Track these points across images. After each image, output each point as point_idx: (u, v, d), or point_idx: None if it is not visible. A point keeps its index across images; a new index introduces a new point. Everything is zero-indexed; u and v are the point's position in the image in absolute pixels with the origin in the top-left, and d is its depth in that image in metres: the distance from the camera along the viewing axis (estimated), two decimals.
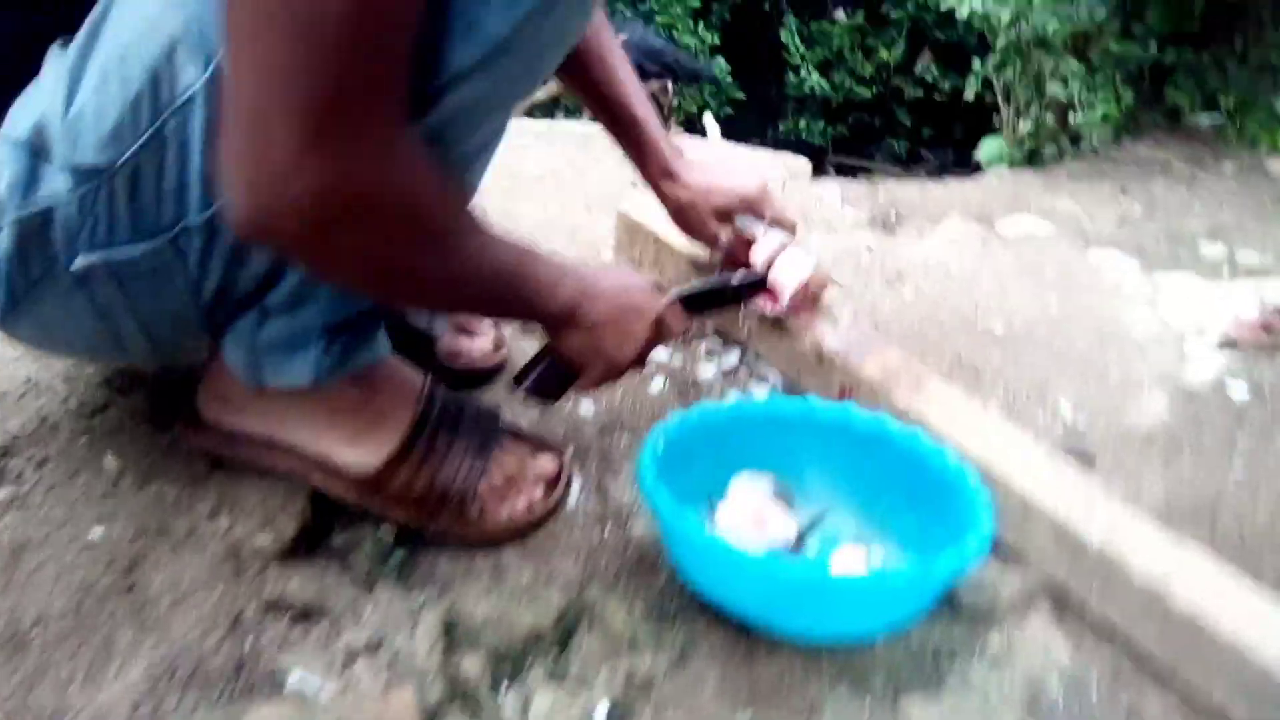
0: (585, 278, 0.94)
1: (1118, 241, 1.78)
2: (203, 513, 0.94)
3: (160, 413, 1.05)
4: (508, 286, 0.87)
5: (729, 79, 4.94)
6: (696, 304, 1.12)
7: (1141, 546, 0.94)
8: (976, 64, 2.50)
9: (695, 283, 1.16)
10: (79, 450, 1.02)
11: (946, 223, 1.80)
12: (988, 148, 2.54)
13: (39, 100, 0.78)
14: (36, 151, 0.77)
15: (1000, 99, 2.51)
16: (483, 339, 1.27)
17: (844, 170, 5.62)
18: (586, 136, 2.08)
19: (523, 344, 1.31)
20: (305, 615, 0.88)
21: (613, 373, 1.01)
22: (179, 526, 0.92)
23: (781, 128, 5.52)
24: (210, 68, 0.74)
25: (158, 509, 0.94)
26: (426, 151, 0.74)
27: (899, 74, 5.34)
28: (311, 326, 0.90)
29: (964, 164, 5.22)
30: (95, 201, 0.77)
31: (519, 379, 1.04)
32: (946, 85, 5.28)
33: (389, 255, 0.76)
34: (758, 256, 1.26)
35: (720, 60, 4.84)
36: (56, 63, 0.79)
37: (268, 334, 0.90)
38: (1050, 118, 2.29)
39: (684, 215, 1.32)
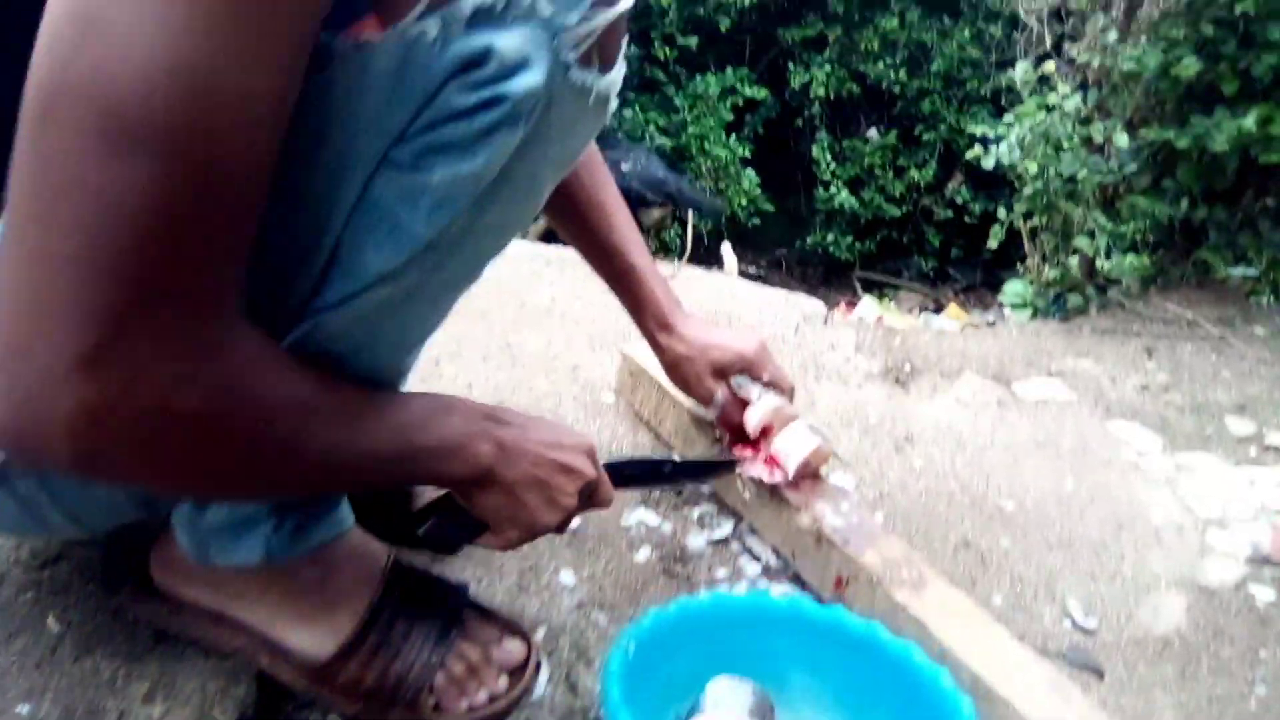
0: (506, 434, 0.84)
1: (1140, 412, 1.71)
2: (137, 695, 0.87)
3: (112, 571, 1.00)
4: (397, 464, 0.76)
5: (758, 190, 4.96)
6: (628, 480, 1.03)
7: None
8: (1002, 212, 2.47)
9: (631, 457, 1.14)
10: (22, 608, 0.96)
11: (962, 380, 1.74)
12: (1011, 290, 2.50)
13: None
14: None
15: (1027, 242, 2.47)
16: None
17: (870, 286, 5.61)
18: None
19: None
20: None
21: (528, 537, 0.90)
22: (110, 709, 0.86)
23: (809, 241, 5.52)
24: None
25: (90, 686, 0.88)
26: (267, 349, 0.67)
27: (929, 194, 5.34)
28: (257, 507, 0.85)
29: (991, 285, 5.18)
30: None
31: (415, 522, 0.93)
32: (977, 208, 5.27)
33: (214, 466, 0.66)
34: (752, 418, 1.23)
35: (750, 172, 4.87)
36: None
37: (210, 520, 0.85)
38: (1076, 266, 2.25)
39: (679, 370, 1.28)
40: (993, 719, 0.94)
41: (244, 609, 0.90)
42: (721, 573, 1.20)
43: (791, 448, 1.20)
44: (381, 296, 0.72)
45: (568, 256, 1.95)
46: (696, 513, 1.30)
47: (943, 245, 5.51)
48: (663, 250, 4.63)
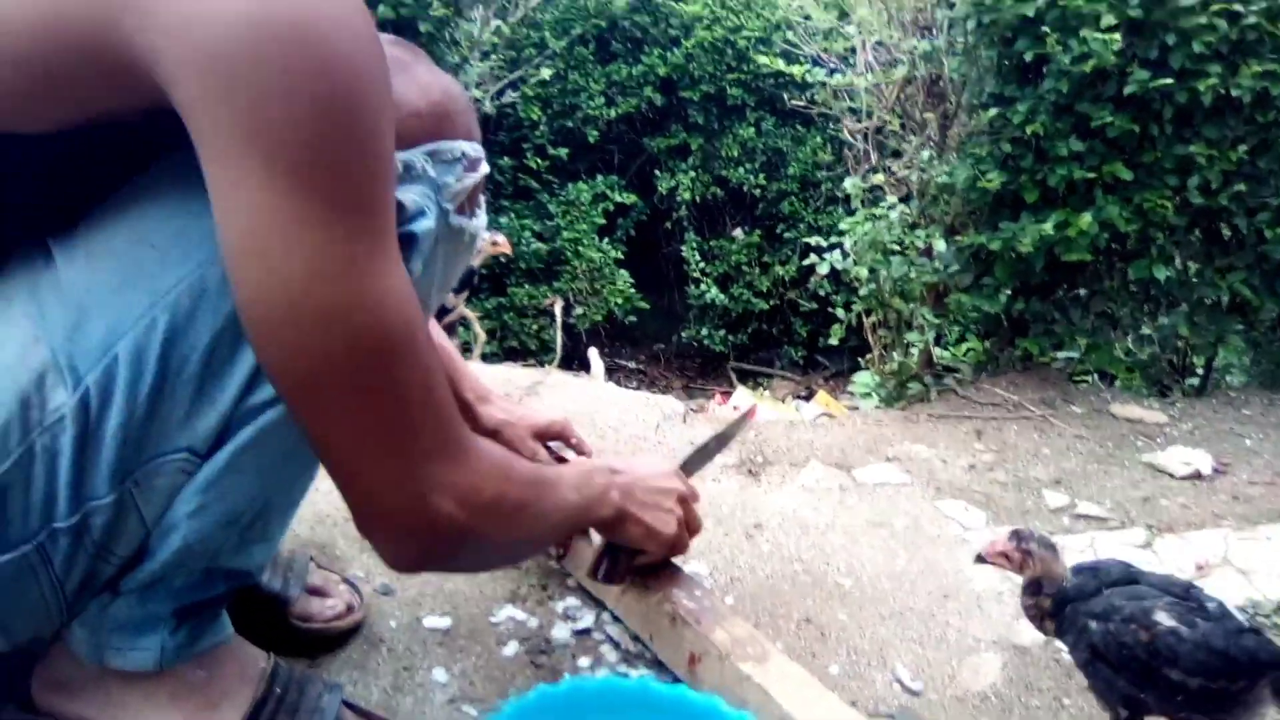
0: (621, 480, 1.17)
1: (967, 490, 1.89)
2: None
3: None
4: (577, 514, 1.11)
5: (632, 290, 5.16)
6: (692, 466, 1.39)
7: None
8: (840, 312, 2.69)
9: (689, 453, 1.43)
10: None
11: (808, 468, 1.89)
12: (860, 381, 2.70)
13: None
14: None
15: (870, 336, 2.68)
16: (335, 600, 1.29)
17: (744, 376, 5.83)
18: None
19: (379, 602, 1.34)
20: None
21: (666, 545, 1.24)
22: None
23: (684, 335, 5.74)
24: (79, 390, 0.80)
25: None
26: (496, 451, 0.95)
27: (794, 288, 5.63)
28: (162, 611, 0.93)
29: (857, 369, 5.46)
30: None
31: (592, 573, 1.28)
32: (839, 299, 5.58)
33: (508, 533, 0.95)
34: None
35: (624, 273, 5.06)
36: None
37: (115, 615, 0.93)
38: (914, 358, 2.46)
39: (501, 436, 1.42)
40: None
41: (129, 716, 0.97)
42: (584, 661, 1.30)
43: None
44: None
45: None
46: (561, 606, 1.40)
47: (810, 335, 5.79)
48: (542, 349, 4.76)
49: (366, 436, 0.81)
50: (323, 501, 1.53)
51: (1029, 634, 1.45)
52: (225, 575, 0.98)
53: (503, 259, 4.30)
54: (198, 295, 0.82)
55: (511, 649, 1.31)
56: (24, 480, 0.81)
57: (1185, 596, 1.07)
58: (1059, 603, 1.12)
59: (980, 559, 1.20)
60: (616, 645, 1.33)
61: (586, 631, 1.36)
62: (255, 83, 0.72)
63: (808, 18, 3.32)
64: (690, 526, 1.28)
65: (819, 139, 4.81)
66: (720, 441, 1.48)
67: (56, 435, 0.81)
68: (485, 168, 0.99)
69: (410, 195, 0.88)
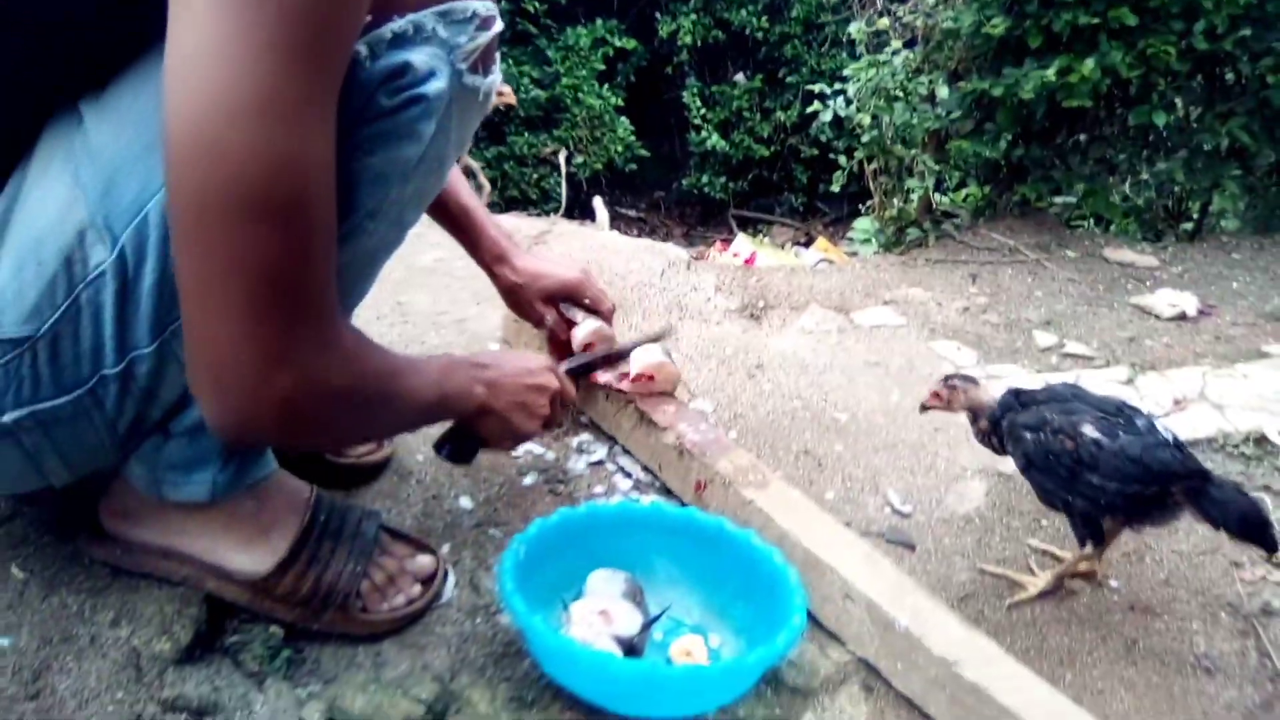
0: (489, 375, 1.15)
1: (960, 331, 1.97)
2: (104, 621, 1.03)
3: (64, 524, 1.14)
4: (433, 409, 1.09)
5: (632, 137, 5.13)
6: (580, 373, 1.41)
7: (938, 629, 1.09)
8: (842, 159, 2.71)
9: (579, 358, 1.43)
10: None
11: (808, 312, 1.97)
12: (860, 227, 2.75)
13: None
14: None
15: (871, 183, 2.72)
16: None
17: (744, 223, 5.85)
18: None
19: (407, 439, 1.43)
20: (201, 713, 0.98)
21: (521, 440, 1.23)
22: (82, 634, 1.02)
23: (685, 183, 5.73)
24: (116, 248, 0.86)
25: (61, 618, 1.04)
26: (359, 336, 0.92)
27: (795, 134, 5.59)
28: (210, 449, 1.02)
29: (857, 216, 5.49)
30: (20, 366, 0.88)
31: (438, 446, 1.25)
32: (840, 145, 5.55)
33: (348, 423, 0.97)
34: (576, 336, 1.46)
35: (624, 120, 5.02)
36: None
37: (169, 455, 1.02)
38: (914, 205, 2.50)
39: (513, 297, 1.49)
40: (820, 584, 1.16)
41: (188, 541, 1.07)
42: (599, 489, 1.40)
43: (639, 356, 1.44)
44: (347, 250, 0.91)
45: None
46: (576, 440, 1.50)
47: (810, 181, 5.77)
48: (543, 198, 4.77)
49: (225, 286, 0.78)
50: None
51: (1011, 462, 1.56)
52: None
53: (503, 108, 4.27)
54: None
55: (531, 479, 1.41)
56: (73, 331, 0.88)
57: (1115, 413, 1.19)
58: (993, 422, 1.27)
59: (923, 408, 1.31)
60: (628, 475, 1.43)
61: (600, 463, 1.46)
62: None
63: None
64: (549, 422, 1.25)
65: None
66: (615, 355, 1.47)
67: (99, 290, 0.88)
68: (499, 25, 1.00)
69: (421, 56, 0.89)
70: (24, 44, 0.86)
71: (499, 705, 1.04)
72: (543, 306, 1.47)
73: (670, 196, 5.68)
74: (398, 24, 0.86)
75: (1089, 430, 1.16)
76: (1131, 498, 1.14)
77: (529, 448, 1.47)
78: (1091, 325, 2.04)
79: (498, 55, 1.04)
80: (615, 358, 1.47)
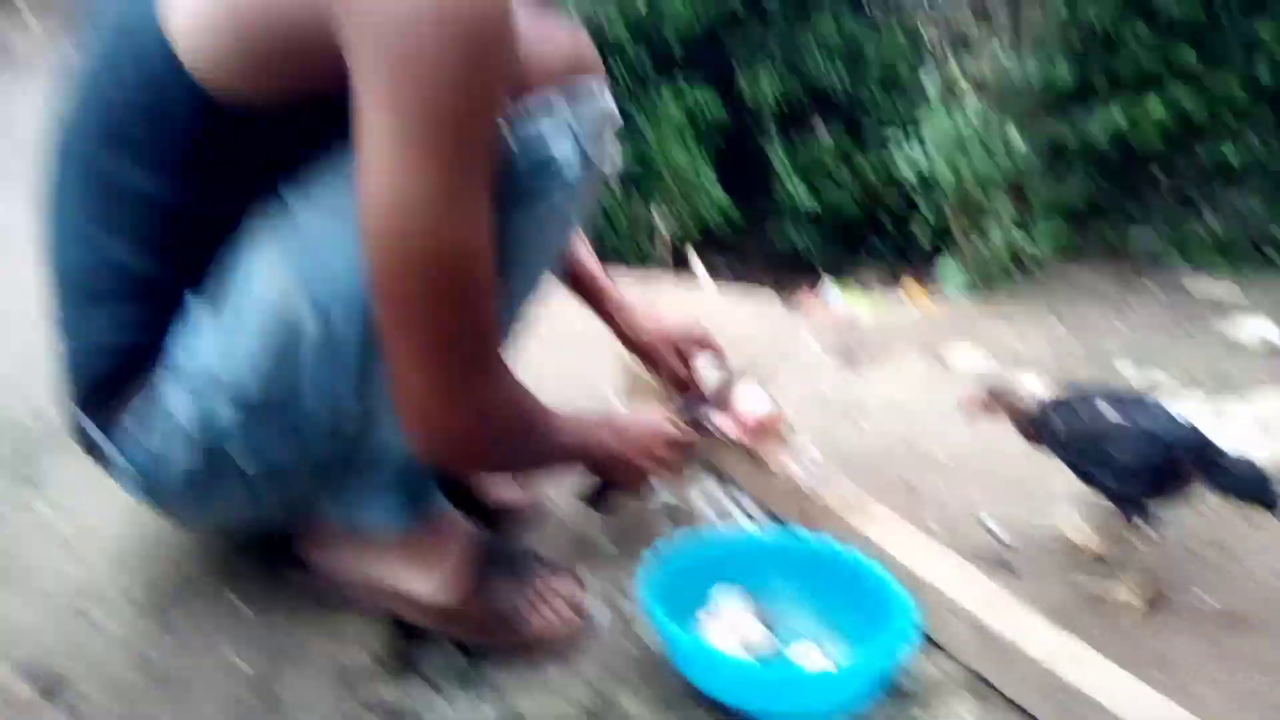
0: (617, 424, 1.38)
1: (1046, 366, 2.09)
2: (315, 640, 1.23)
3: (270, 561, 1.35)
4: (574, 452, 1.29)
5: (721, 194, 5.32)
6: (697, 421, 1.56)
7: (1033, 634, 1.22)
8: (923, 205, 2.85)
9: (694, 406, 1.59)
10: (209, 594, 1.31)
11: (899, 354, 2.11)
12: (946, 271, 2.87)
13: (198, 349, 1.09)
14: (208, 395, 1.08)
15: (954, 226, 2.85)
16: (510, 485, 1.58)
17: (834, 270, 5.98)
18: None
19: (546, 488, 1.62)
20: (397, 716, 1.17)
21: (638, 486, 1.44)
22: (297, 652, 1.22)
23: (774, 238, 5.89)
24: (323, 313, 1.05)
25: (278, 635, 1.24)
26: (519, 379, 1.12)
27: (879, 180, 5.71)
28: (394, 485, 1.22)
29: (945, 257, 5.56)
30: (252, 423, 1.08)
31: (583, 498, 1.49)
32: (921, 190, 5.66)
33: (514, 453, 1.17)
34: (705, 383, 1.64)
35: (712, 178, 5.21)
36: (202, 316, 1.10)
37: (361, 490, 1.22)
38: (996, 248, 2.63)
39: (634, 344, 1.66)
40: (923, 600, 1.30)
41: (377, 570, 1.26)
42: (719, 524, 1.56)
43: (748, 405, 1.60)
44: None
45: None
46: (699, 487, 1.66)
47: (897, 226, 5.88)
48: (640, 260, 4.98)
49: (421, 349, 0.99)
50: None
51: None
52: None
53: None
54: None
55: (658, 517, 1.58)
56: (291, 395, 1.08)
57: (1132, 401, 1.40)
58: (1032, 422, 1.49)
59: (967, 414, 1.53)
60: (744, 510, 1.59)
61: (719, 502, 1.62)
62: (394, 35, 0.89)
63: None
64: (669, 468, 1.44)
65: (898, 30, 4.85)
66: (721, 401, 1.61)
67: (310, 351, 1.07)
68: (612, 101, 1.18)
69: (550, 128, 1.06)
70: (246, 153, 1.06)
71: (645, 708, 1.20)
72: (664, 352, 1.66)
73: (761, 248, 5.85)
74: (532, 103, 1.05)
75: (1108, 412, 1.39)
76: (1146, 467, 1.36)
77: (660, 495, 1.63)
78: (1172, 355, 2.13)
79: (611, 128, 1.21)
80: (723, 401, 1.62)
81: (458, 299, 0.98)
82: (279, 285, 1.06)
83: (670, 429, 1.44)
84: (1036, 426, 1.48)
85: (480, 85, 0.92)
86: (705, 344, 1.67)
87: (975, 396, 1.52)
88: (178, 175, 1.04)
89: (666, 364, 1.66)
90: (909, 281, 4.63)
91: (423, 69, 0.89)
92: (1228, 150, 2.37)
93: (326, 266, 1.06)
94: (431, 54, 0.89)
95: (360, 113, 0.92)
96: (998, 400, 1.51)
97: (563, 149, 1.08)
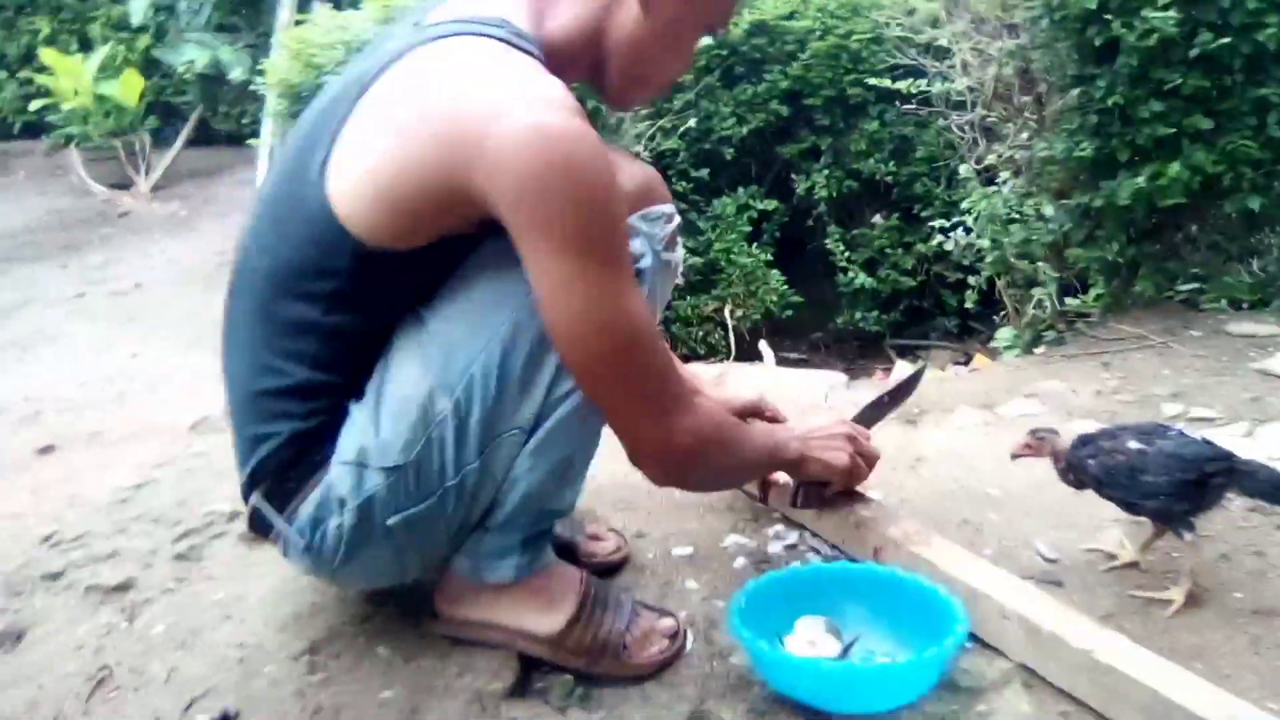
0: (798, 429, 1.67)
1: (1095, 412, 2.25)
2: (451, 674, 1.44)
3: (407, 613, 1.57)
4: (768, 460, 1.63)
5: (785, 287, 5.56)
6: (863, 420, 1.81)
7: (1076, 626, 1.38)
8: (971, 279, 3.05)
9: (864, 407, 1.85)
10: (360, 644, 1.54)
11: (958, 412, 2.29)
12: (1002, 336, 3.05)
13: (354, 435, 1.34)
14: (360, 464, 1.33)
15: (1004, 295, 3.03)
16: (607, 542, 1.79)
17: (903, 351, 6.13)
18: None
19: (636, 542, 1.82)
20: None
21: (844, 475, 1.68)
22: (438, 685, 1.43)
23: (840, 321, 6.07)
24: (454, 399, 1.31)
25: (421, 676, 1.45)
26: (713, 405, 1.49)
27: (937, 261, 5.89)
28: (514, 540, 1.44)
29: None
30: (398, 484, 1.33)
31: (792, 502, 1.76)
32: (970, 265, 5.81)
33: (719, 465, 1.48)
34: None
35: (775, 273, 5.46)
36: (358, 412, 1.36)
37: (486, 546, 1.44)
38: (1045, 310, 2.81)
39: None
40: (980, 609, 1.46)
41: (501, 613, 1.48)
42: (795, 565, 1.75)
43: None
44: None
45: None
46: (771, 530, 1.85)
47: (959, 304, 6.03)
48: (709, 351, 5.22)
49: (628, 400, 1.32)
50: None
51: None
52: (551, 513, 1.48)
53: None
54: (516, 327, 1.32)
55: (740, 563, 1.77)
56: (429, 457, 1.33)
57: (1151, 429, 1.56)
58: (1069, 463, 1.62)
59: (1014, 456, 1.68)
60: (818, 552, 1.78)
61: (794, 546, 1.81)
62: (541, 198, 1.20)
63: (911, 12, 3.67)
64: (865, 458, 1.70)
65: (940, 122, 5.10)
66: (894, 396, 1.89)
67: (443, 430, 1.32)
68: (678, 217, 1.47)
69: (635, 246, 1.37)
70: (391, 285, 1.34)
71: (739, 716, 1.38)
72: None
73: (828, 336, 6.04)
74: None
75: (1132, 443, 1.53)
76: (1180, 485, 1.48)
77: (736, 539, 1.83)
78: (1216, 392, 2.27)
79: (680, 238, 1.50)
80: (896, 397, 1.89)
81: (647, 359, 1.30)
82: (416, 377, 1.32)
83: (846, 426, 1.70)
84: (1074, 471, 1.62)
85: (607, 210, 1.24)
86: (765, 411, 1.86)
87: (1021, 442, 1.68)
88: (339, 308, 1.32)
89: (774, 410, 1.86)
90: (980, 356, 4.78)
91: (570, 218, 1.21)
92: (1252, 201, 2.53)
93: (454, 360, 1.32)
94: (573, 207, 1.20)
95: (531, 261, 1.24)
96: (1040, 443, 1.67)
97: (646, 262, 1.39)
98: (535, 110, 1.20)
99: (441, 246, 1.33)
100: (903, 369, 4.54)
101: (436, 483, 1.34)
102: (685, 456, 1.37)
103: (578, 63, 1.43)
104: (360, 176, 1.27)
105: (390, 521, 1.35)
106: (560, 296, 1.24)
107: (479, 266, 1.36)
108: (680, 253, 1.52)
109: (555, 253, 1.22)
